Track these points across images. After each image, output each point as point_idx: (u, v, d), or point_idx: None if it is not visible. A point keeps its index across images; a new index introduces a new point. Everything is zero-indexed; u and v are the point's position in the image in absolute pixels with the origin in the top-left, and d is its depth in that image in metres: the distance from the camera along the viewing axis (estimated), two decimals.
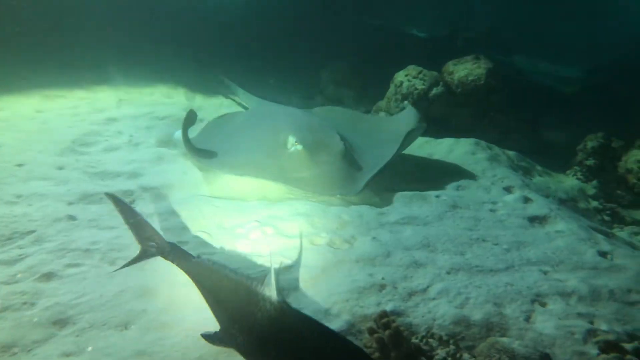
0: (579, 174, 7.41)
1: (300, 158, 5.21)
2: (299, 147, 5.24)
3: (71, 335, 3.17)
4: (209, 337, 2.86)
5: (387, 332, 3.01)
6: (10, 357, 2.91)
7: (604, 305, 3.65)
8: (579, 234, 4.89)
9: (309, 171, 5.13)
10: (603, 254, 4.53)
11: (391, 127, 6.41)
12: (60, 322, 3.24)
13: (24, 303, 3.32)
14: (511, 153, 7.69)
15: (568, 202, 6.52)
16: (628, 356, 2.43)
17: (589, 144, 7.67)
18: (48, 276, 3.62)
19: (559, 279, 4.07)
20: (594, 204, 6.48)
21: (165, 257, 3.25)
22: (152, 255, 3.33)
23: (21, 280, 3.52)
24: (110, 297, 3.53)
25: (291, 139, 5.33)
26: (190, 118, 5.86)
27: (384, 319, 3.08)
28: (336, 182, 5.03)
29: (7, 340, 3.00)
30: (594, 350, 2.94)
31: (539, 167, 7.60)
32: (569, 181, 7.16)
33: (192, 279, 3.07)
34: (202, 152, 5.68)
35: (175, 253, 3.22)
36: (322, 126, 5.81)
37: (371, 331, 3.09)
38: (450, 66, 8.77)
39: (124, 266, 3.49)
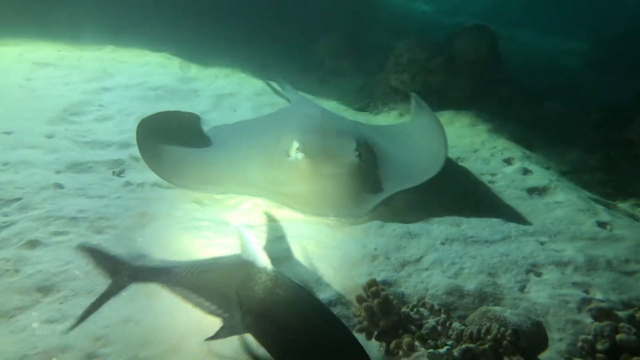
0: (582, 145, 7.25)
1: (300, 169, 4.24)
2: (301, 155, 4.28)
3: (55, 302, 3.11)
4: (216, 336, 2.65)
5: (375, 301, 2.94)
6: None
7: (601, 275, 3.56)
8: (579, 205, 4.78)
9: (306, 185, 4.17)
10: (602, 225, 4.43)
11: (432, 146, 5.14)
12: (44, 289, 3.19)
13: (7, 270, 3.26)
14: (512, 125, 7.52)
15: (570, 174, 6.38)
16: (622, 324, 2.36)
17: (593, 116, 7.48)
18: (33, 243, 3.55)
19: (555, 249, 3.98)
20: (598, 176, 6.33)
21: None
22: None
23: (5, 247, 3.45)
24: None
25: (294, 145, 4.37)
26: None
27: (373, 288, 3.00)
28: (334, 201, 4.08)
29: None
30: (588, 319, 2.87)
31: (541, 140, 7.44)
32: (572, 153, 7.00)
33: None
34: (168, 160, 4.57)
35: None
36: (340, 132, 4.79)
37: (360, 300, 3.02)
38: (451, 37, 8.53)
39: None
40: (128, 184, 4.59)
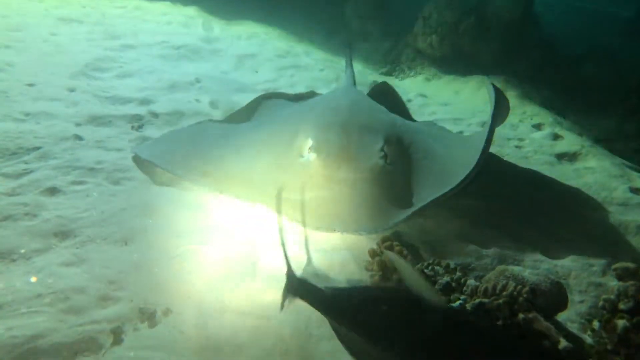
0: (619, 113, 6.89)
1: (310, 172, 3.50)
2: (313, 155, 3.55)
3: (71, 247, 3.15)
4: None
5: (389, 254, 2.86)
6: (9, 264, 2.91)
7: (631, 240, 3.38)
8: (611, 171, 4.55)
9: (316, 192, 3.39)
10: (636, 190, 4.20)
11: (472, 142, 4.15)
12: (61, 234, 3.22)
13: (26, 214, 3.31)
14: (545, 91, 7.19)
15: (604, 142, 6.08)
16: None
17: (632, 83, 7.07)
18: (51, 191, 3.58)
19: (583, 214, 3.80)
20: (632, 144, 6.02)
21: None
22: None
23: (24, 193, 3.50)
24: (113, 213, 3.49)
25: (308, 143, 3.66)
26: None
27: (387, 242, 2.92)
28: (345, 214, 3.22)
29: (6, 248, 3.00)
30: (612, 282, 2.74)
31: (575, 106, 7.11)
32: (608, 120, 6.67)
33: None
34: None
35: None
36: (368, 128, 3.88)
37: (373, 254, 2.95)
38: None
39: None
40: (146, 138, 4.58)
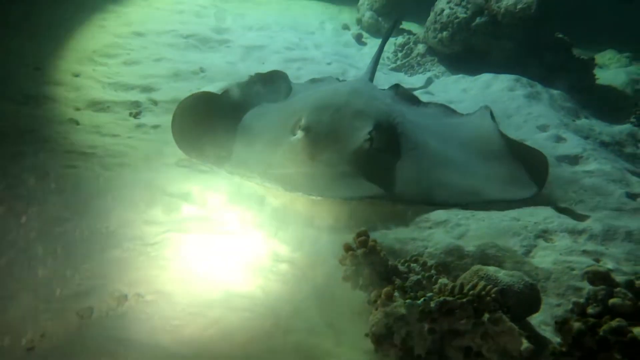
0: (632, 117, 6.67)
1: (297, 149, 3.75)
2: (300, 134, 3.79)
3: None
4: None
5: (361, 250, 2.84)
6: None
7: (617, 245, 3.29)
8: (611, 175, 4.41)
9: (299, 167, 3.68)
10: (632, 196, 4.08)
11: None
12: None
13: None
14: (556, 92, 7.00)
15: (611, 146, 5.91)
16: (618, 289, 2.15)
17: None
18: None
19: (572, 217, 3.71)
20: None
21: None
22: None
23: None
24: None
25: (299, 123, 3.93)
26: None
27: (362, 237, 2.90)
28: (322, 182, 3.57)
29: None
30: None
31: (586, 109, 6.92)
32: (620, 125, 6.46)
33: None
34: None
35: None
36: (361, 112, 4.09)
37: (347, 248, 2.93)
38: None
39: None
40: (142, 125, 4.64)
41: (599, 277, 2.22)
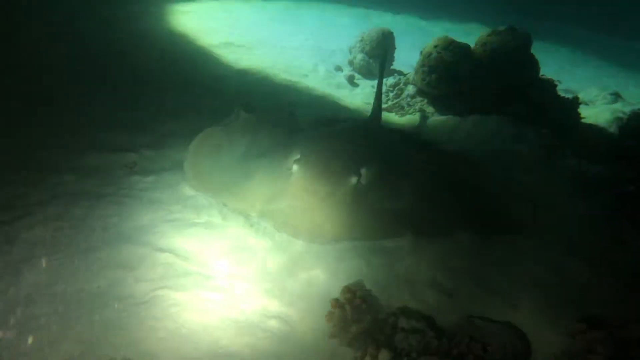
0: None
1: (291, 183, 4.04)
2: (295, 167, 4.07)
3: None
4: None
5: (349, 307, 2.89)
6: None
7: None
8: None
9: (290, 201, 3.96)
10: None
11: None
12: None
13: None
14: (544, 131, 7.16)
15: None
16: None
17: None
18: None
19: None
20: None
21: None
22: None
23: None
24: None
25: (295, 157, 4.21)
26: None
27: (349, 294, 2.95)
28: (308, 225, 3.83)
29: None
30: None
31: (569, 147, 7.06)
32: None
33: None
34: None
35: None
36: (354, 153, 4.36)
37: (335, 305, 2.97)
38: (483, 37, 8.23)
39: None
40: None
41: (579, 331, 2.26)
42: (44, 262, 3.38)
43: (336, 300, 3.00)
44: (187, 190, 4.57)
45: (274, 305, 3.30)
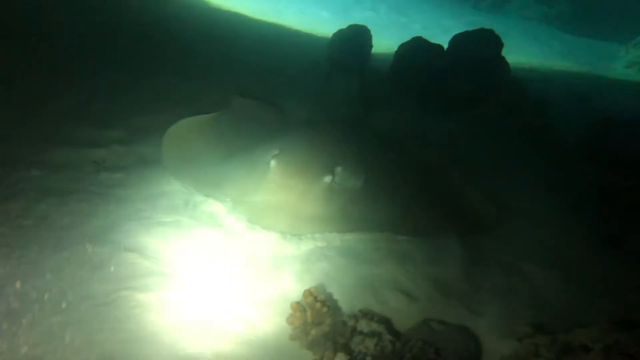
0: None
1: (268, 177, 4.14)
2: (272, 162, 4.16)
3: None
4: None
5: (309, 311, 2.96)
6: None
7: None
8: None
9: (266, 195, 4.09)
10: None
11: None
12: None
13: None
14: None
15: None
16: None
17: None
18: None
19: None
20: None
21: None
22: None
23: None
24: None
25: (273, 152, 4.32)
26: None
27: (310, 298, 3.02)
28: (282, 217, 3.99)
29: None
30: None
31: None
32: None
33: None
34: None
35: None
36: (330, 151, 4.54)
37: (295, 308, 3.04)
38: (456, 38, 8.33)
39: None
40: None
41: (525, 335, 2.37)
42: (2, 260, 3.34)
43: (297, 303, 3.06)
44: (157, 188, 4.56)
45: (238, 307, 3.35)
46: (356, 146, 5.03)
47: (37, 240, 3.63)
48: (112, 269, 3.47)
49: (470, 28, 8.52)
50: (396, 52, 8.42)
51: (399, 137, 6.95)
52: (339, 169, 4.25)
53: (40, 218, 3.89)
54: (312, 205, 4.06)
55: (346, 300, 3.49)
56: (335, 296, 3.49)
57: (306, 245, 3.99)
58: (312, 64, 8.47)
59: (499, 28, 8.69)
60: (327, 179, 4.13)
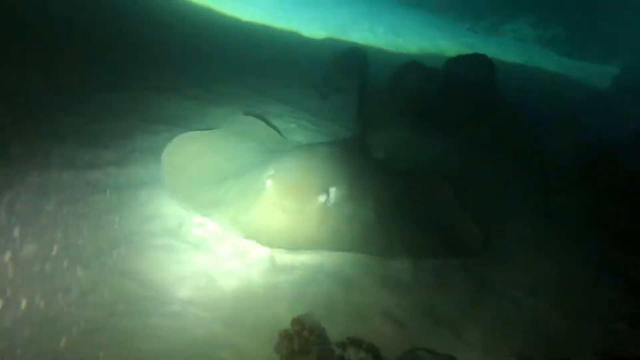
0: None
1: (263, 197, 4.14)
2: (268, 182, 4.17)
3: None
4: None
5: (297, 341, 2.96)
6: None
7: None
8: None
9: (261, 214, 4.07)
10: None
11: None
12: None
13: None
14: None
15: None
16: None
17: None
18: None
19: None
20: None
21: None
22: None
23: None
24: None
25: (268, 172, 4.31)
26: None
27: (297, 326, 3.02)
28: (274, 233, 3.95)
29: None
30: None
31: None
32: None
33: None
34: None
35: None
36: (326, 172, 4.54)
37: (283, 336, 3.04)
38: (450, 61, 8.47)
39: None
40: None
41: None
42: None
43: (285, 331, 3.06)
44: (150, 210, 4.57)
45: (227, 334, 3.34)
46: (352, 167, 5.07)
47: None
48: (101, 294, 3.47)
49: (465, 50, 8.66)
50: (392, 73, 8.54)
51: (395, 157, 7.06)
52: (333, 190, 4.26)
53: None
54: (305, 225, 4.06)
55: (335, 328, 3.48)
56: (324, 323, 3.48)
57: (298, 269, 3.99)
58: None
59: (494, 50, 8.83)
60: (321, 199, 4.15)
